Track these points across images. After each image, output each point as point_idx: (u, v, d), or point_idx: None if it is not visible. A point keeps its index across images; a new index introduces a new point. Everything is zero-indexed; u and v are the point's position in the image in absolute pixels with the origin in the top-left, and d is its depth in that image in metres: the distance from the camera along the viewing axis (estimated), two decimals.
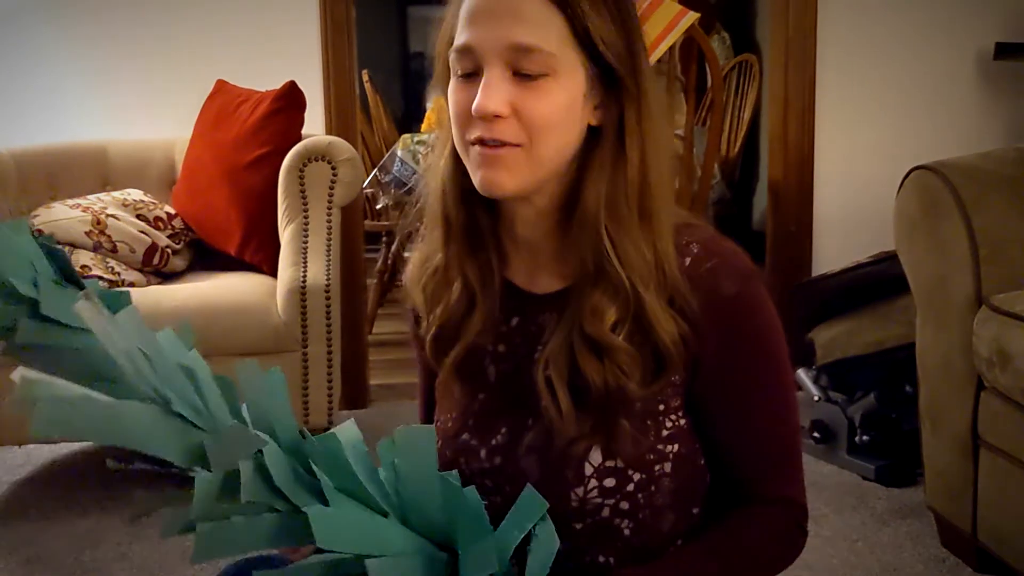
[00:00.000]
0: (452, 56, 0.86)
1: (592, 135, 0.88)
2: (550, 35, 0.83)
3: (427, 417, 1.07)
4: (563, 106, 0.84)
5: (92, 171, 2.55)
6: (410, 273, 0.99)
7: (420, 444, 0.62)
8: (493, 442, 0.93)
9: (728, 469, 0.93)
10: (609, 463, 0.87)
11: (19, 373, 0.59)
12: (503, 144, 0.83)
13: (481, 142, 0.84)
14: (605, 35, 0.84)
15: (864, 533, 2.01)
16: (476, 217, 0.91)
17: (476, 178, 0.86)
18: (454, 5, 0.88)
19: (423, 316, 0.97)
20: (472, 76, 0.84)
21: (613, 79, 0.86)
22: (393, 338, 3.83)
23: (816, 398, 2.38)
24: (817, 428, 2.37)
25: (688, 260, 0.88)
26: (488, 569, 0.63)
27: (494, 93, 0.82)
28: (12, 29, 2.82)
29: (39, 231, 2.19)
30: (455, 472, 0.63)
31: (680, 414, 0.90)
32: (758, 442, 0.92)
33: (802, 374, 2.43)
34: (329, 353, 2.21)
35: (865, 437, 2.29)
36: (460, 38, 0.85)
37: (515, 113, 0.82)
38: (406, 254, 1.02)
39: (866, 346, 2.30)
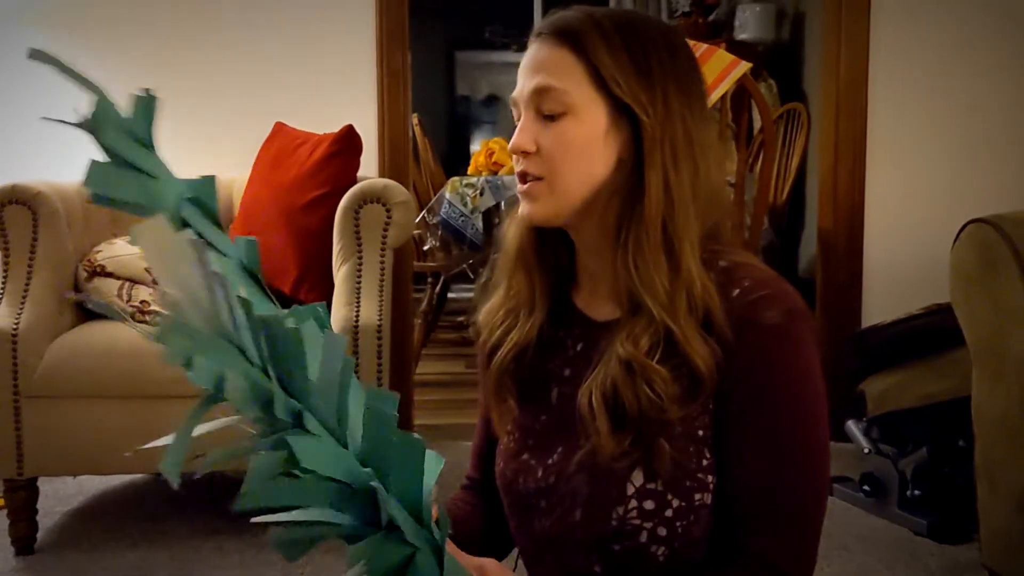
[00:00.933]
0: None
1: (625, 170, 0.95)
2: (570, 79, 0.93)
3: (480, 452, 1.13)
4: (580, 141, 0.93)
5: None
6: (488, 313, 1.06)
7: (385, 403, 0.64)
8: (549, 461, 0.97)
9: (726, 511, 0.90)
10: (650, 485, 0.89)
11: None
12: (529, 179, 0.95)
13: (520, 178, 0.96)
14: (621, 78, 0.93)
15: None
16: (530, 247, 1.01)
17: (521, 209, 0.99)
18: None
19: (488, 334, 1.05)
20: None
21: (634, 117, 0.93)
22: (437, 379, 3.86)
23: (866, 450, 2.35)
24: (867, 481, 2.34)
25: (737, 291, 0.90)
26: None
27: (522, 132, 0.95)
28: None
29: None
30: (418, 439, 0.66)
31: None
32: (759, 488, 0.89)
33: (852, 426, 2.41)
34: None
35: (917, 492, 2.26)
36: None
37: (539, 149, 0.94)
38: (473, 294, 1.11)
39: (918, 399, 2.28)
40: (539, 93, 0.94)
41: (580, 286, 1.02)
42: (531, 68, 0.96)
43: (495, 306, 1.05)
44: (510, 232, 1.03)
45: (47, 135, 2.92)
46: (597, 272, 0.99)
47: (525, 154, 0.95)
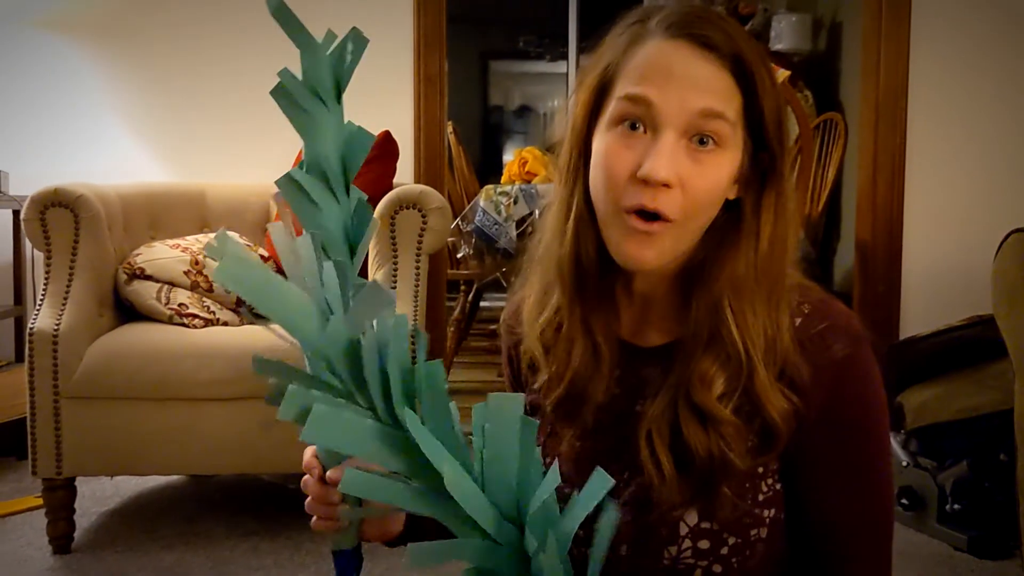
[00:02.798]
0: (620, 102, 0.83)
1: (725, 207, 0.87)
2: (732, 111, 0.83)
3: None
4: (724, 181, 0.84)
5: (191, 213, 2.64)
6: (526, 315, 0.97)
7: (508, 409, 0.64)
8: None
9: (810, 541, 0.89)
10: (704, 524, 0.86)
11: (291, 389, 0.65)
12: (658, 219, 0.81)
13: (638, 211, 0.82)
14: (772, 117, 0.85)
15: None
16: (609, 278, 0.90)
17: (619, 248, 0.84)
18: (620, 41, 0.86)
19: (540, 366, 0.95)
20: (634, 129, 0.83)
21: (762, 159, 0.86)
22: (468, 387, 3.85)
23: (905, 463, 2.32)
24: (906, 495, 2.31)
25: (799, 321, 0.86)
26: (550, 544, 0.65)
27: (668, 161, 0.80)
28: (65, 71, 2.96)
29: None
30: (537, 450, 0.65)
31: (777, 478, 0.88)
32: (846, 517, 0.88)
33: (891, 438, 2.38)
34: None
35: (957, 506, 2.22)
36: (637, 87, 0.83)
37: (680, 185, 0.81)
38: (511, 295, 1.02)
39: (959, 412, 2.24)
40: (705, 116, 0.81)
41: (619, 309, 0.93)
42: (690, 80, 0.81)
43: (560, 340, 0.92)
44: (585, 260, 0.88)
45: (67, 136, 2.97)
46: (652, 300, 0.91)
47: (664, 186, 0.80)
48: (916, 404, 2.32)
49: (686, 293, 0.88)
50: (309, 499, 0.90)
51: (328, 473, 0.87)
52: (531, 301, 0.96)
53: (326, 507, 0.89)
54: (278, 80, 0.78)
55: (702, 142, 0.82)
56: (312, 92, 0.77)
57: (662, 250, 0.83)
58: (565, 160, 0.90)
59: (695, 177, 0.82)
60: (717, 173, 0.83)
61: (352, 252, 0.77)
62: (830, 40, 4.76)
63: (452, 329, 3.96)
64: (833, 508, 0.87)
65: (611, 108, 0.85)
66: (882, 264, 2.83)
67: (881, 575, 0.90)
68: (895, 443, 2.36)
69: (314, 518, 0.90)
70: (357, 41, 0.79)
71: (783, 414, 0.84)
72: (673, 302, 0.90)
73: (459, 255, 3.78)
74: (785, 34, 4.69)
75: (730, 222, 0.87)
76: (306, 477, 0.90)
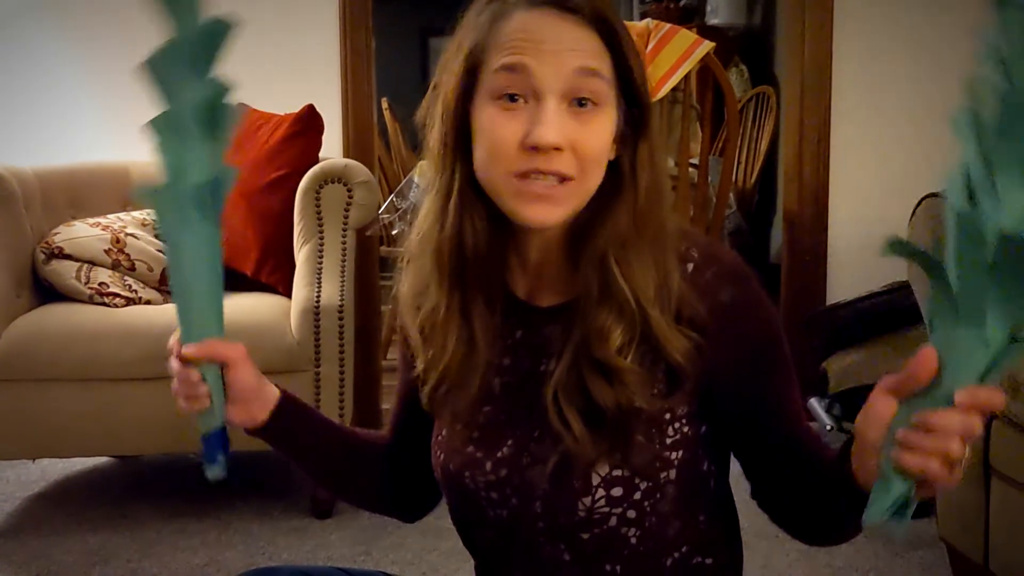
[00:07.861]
0: (496, 75, 0.84)
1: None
2: (604, 67, 0.85)
3: (397, 420, 1.09)
4: (608, 139, 0.87)
5: (114, 191, 2.58)
6: (404, 303, 0.98)
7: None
8: (499, 454, 0.93)
9: (776, 446, 0.90)
10: (616, 472, 0.87)
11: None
12: (563, 178, 0.84)
13: (530, 175, 0.83)
14: (639, 72, 0.88)
15: (876, 564, 1.99)
16: (492, 254, 0.91)
17: (521, 210, 0.85)
18: (482, 20, 0.87)
19: (417, 355, 0.96)
20: (514, 101, 0.84)
21: (633, 116, 0.89)
22: None
23: (828, 427, 2.37)
24: None
25: (690, 266, 0.89)
26: None
27: (555, 126, 0.82)
28: (31, 49, 2.88)
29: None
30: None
31: (685, 421, 0.90)
32: (792, 408, 0.91)
33: (815, 403, 2.42)
34: (341, 374, 2.22)
35: None
36: (511, 57, 0.84)
37: (570, 147, 0.83)
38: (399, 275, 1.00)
39: (879, 376, 2.29)
40: (583, 75, 0.83)
41: (512, 271, 0.94)
42: (563, 44, 0.83)
43: (435, 327, 0.93)
44: (470, 240, 0.89)
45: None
46: (544, 261, 0.92)
47: (556, 150, 0.83)
48: (839, 369, 2.37)
49: (574, 254, 0.90)
50: (174, 381, 0.92)
51: (184, 350, 0.90)
52: (407, 290, 0.96)
53: (188, 386, 0.91)
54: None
55: (581, 104, 0.84)
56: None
57: (565, 207, 0.86)
58: (438, 145, 0.90)
59: (582, 138, 0.84)
60: (602, 131, 0.86)
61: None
62: (764, 14, 4.80)
63: (391, 307, 3.94)
64: (779, 406, 0.90)
65: (487, 83, 0.85)
66: (808, 234, 2.87)
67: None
68: (819, 407, 2.40)
69: (179, 400, 0.93)
70: None
71: (685, 354, 0.86)
72: (563, 264, 0.92)
73: (395, 232, 3.76)
74: (720, 9, 4.74)
75: (609, 181, 0.89)
76: (171, 358, 0.92)
